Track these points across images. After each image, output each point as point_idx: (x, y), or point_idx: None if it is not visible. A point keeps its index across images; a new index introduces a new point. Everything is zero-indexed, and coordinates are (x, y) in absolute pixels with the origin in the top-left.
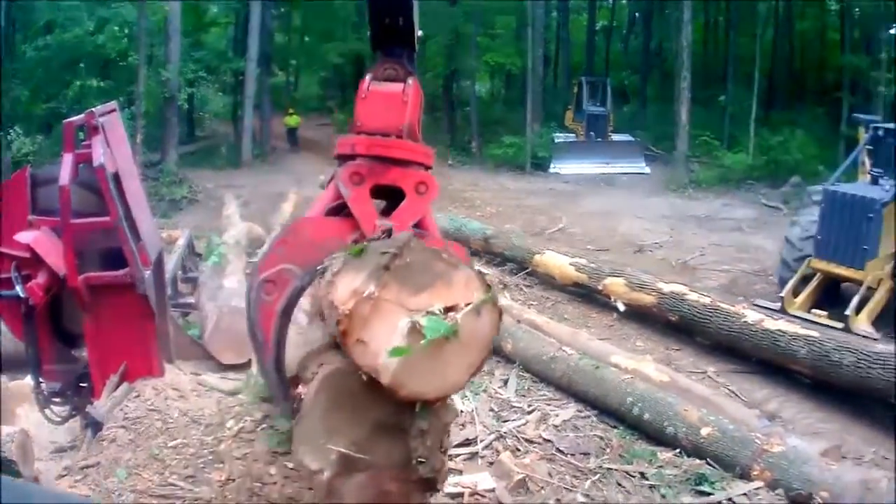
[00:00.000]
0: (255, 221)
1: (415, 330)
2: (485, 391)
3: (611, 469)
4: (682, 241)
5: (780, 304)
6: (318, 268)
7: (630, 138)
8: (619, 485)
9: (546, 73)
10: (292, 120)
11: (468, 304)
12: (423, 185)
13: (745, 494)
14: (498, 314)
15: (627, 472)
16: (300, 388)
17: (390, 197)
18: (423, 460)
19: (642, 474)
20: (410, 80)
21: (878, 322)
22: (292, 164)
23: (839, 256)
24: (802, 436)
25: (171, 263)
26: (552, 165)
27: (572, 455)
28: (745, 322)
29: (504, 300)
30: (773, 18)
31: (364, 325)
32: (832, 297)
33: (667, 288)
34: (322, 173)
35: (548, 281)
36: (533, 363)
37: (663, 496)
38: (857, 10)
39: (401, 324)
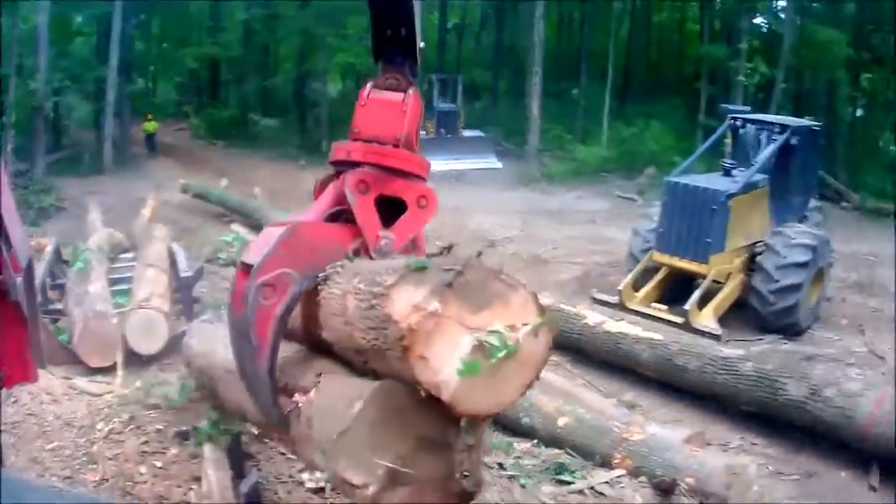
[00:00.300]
0: (116, 227)
1: (479, 348)
2: None
3: None
4: (535, 234)
5: (618, 297)
6: (321, 275)
7: (481, 134)
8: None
9: None
10: (150, 126)
11: (525, 324)
12: (424, 199)
13: (607, 482)
14: (552, 336)
15: (485, 464)
16: (297, 397)
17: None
18: (467, 474)
19: (500, 465)
20: (411, 91)
21: (727, 317)
22: (152, 169)
23: (681, 250)
24: (664, 424)
25: (39, 270)
26: None
27: None
28: (585, 324)
29: None
30: (629, 12)
31: (426, 342)
32: (687, 291)
33: None
34: (181, 177)
35: None
36: None
37: (523, 486)
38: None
39: (464, 341)
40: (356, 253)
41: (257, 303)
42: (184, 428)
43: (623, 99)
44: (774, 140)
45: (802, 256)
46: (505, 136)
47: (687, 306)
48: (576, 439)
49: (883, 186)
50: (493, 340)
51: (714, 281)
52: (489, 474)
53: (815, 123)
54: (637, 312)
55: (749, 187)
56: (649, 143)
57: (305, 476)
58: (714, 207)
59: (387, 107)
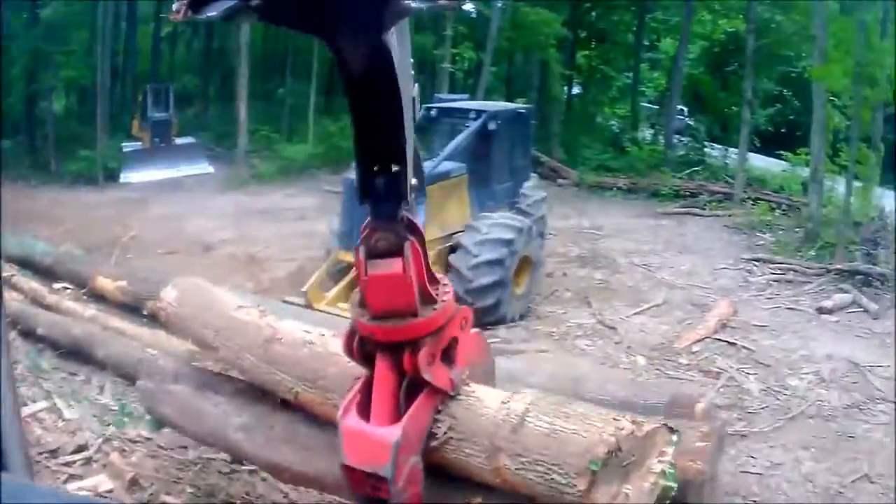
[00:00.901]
0: None
1: (655, 487)
2: (86, 398)
3: (210, 458)
4: (249, 235)
5: (305, 299)
6: (433, 443)
7: (193, 140)
8: (220, 472)
9: (115, 83)
10: None
11: (668, 446)
12: (465, 321)
13: None
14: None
15: (225, 460)
16: None
17: None
18: None
19: (240, 461)
20: (408, 250)
21: None
22: None
23: None
24: None
25: None
26: (122, 175)
27: (172, 449)
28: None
29: (90, 311)
30: None
31: None
32: None
33: None
34: None
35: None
36: (123, 366)
37: (264, 479)
38: None
39: (646, 487)
40: (442, 401)
41: (406, 499)
42: None
43: (329, 94)
44: (468, 127)
45: (505, 234)
46: (216, 140)
47: None
48: None
49: (601, 161)
50: (669, 482)
51: None
52: (230, 468)
53: (522, 106)
54: (327, 313)
55: (435, 178)
56: None
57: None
58: None
59: (389, 282)
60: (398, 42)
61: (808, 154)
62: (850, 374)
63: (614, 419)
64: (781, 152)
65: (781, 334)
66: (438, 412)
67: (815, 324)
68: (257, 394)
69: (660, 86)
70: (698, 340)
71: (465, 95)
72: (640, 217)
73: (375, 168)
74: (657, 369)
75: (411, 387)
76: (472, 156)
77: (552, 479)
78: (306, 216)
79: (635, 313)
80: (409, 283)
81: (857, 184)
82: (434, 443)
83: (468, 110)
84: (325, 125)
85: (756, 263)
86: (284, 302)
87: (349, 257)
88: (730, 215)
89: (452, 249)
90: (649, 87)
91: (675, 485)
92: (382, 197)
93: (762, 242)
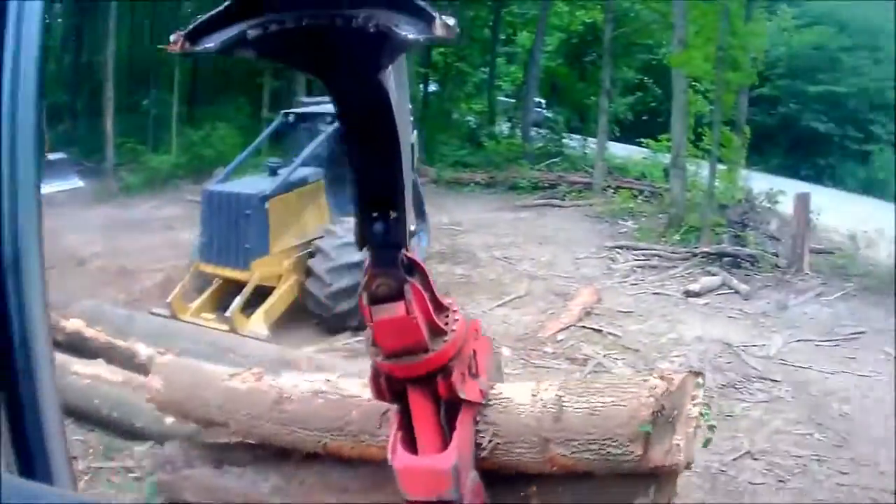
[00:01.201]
0: None
1: (699, 429)
2: None
3: (99, 468)
4: (119, 247)
5: (169, 310)
6: (484, 453)
7: (63, 156)
8: (110, 481)
9: None
10: None
11: (696, 391)
12: (476, 332)
13: None
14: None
15: (113, 469)
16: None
17: None
18: None
19: (126, 468)
20: (409, 291)
21: (301, 319)
22: None
23: (222, 258)
24: None
25: None
26: None
27: None
28: None
29: None
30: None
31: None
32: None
33: (69, 327)
34: None
35: None
36: None
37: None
38: None
39: (690, 433)
40: (478, 412)
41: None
42: None
43: (192, 104)
44: (323, 131)
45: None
46: (85, 154)
47: (228, 313)
48: None
49: (459, 157)
50: (709, 422)
51: (268, 286)
52: (119, 477)
53: None
54: (192, 323)
55: (291, 185)
56: (217, 144)
57: None
58: (248, 212)
59: (395, 325)
60: (396, 85)
61: (670, 140)
62: (724, 355)
63: (644, 381)
64: (642, 140)
65: (649, 319)
66: (477, 423)
67: (683, 307)
68: (277, 453)
69: (517, 79)
70: (563, 329)
71: (327, 98)
72: (499, 211)
73: (374, 214)
74: (522, 359)
75: (447, 407)
76: (330, 160)
77: (608, 452)
78: (173, 226)
79: (498, 306)
80: (414, 324)
81: (721, 167)
82: (483, 452)
83: (325, 114)
84: (188, 135)
85: (619, 251)
86: (151, 314)
87: (209, 269)
88: (590, 205)
89: (312, 255)
90: (506, 81)
91: (714, 423)
92: (381, 244)
93: (625, 230)
